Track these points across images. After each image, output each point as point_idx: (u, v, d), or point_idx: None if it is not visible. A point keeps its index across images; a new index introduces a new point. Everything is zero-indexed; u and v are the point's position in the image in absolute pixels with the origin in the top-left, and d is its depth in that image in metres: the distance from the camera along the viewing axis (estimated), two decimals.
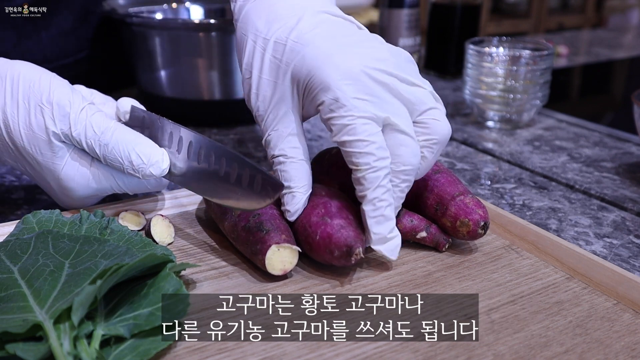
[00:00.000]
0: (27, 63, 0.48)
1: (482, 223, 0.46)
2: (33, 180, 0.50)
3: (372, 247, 0.44)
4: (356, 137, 0.42)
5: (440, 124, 0.45)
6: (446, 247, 0.48)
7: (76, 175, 0.48)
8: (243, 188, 0.43)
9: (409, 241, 0.48)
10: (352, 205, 0.46)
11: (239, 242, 0.45)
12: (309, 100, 0.45)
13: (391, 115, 0.43)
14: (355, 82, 0.43)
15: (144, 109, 0.50)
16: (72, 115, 0.46)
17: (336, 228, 0.43)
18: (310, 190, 0.47)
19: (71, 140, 0.47)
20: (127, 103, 0.50)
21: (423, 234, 0.47)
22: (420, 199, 0.50)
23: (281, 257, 0.43)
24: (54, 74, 0.48)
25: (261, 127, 0.48)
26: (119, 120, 0.51)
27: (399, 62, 0.45)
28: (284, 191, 0.46)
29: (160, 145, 0.48)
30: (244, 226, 0.45)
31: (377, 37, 0.47)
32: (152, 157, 0.46)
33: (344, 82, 0.43)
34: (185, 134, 0.47)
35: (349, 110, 0.43)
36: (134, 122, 0.50)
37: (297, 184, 0.46)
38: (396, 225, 0.45)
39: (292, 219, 0.46)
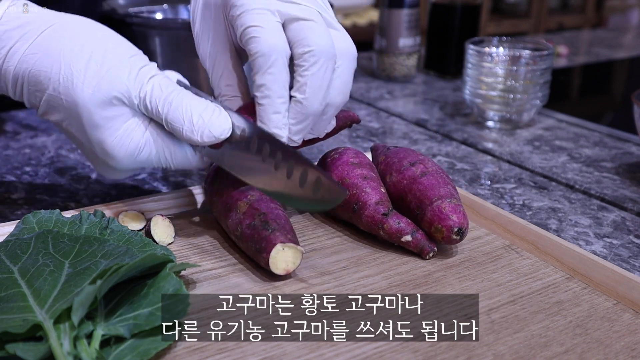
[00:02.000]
0: (95, 23, 0.47)
1: (456, 229, 0.46)
2: (73, 142, 0.48)
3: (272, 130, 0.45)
4: (247, 24, 0.45)
5: (317, 34, 0.45)
6: (430, 255, 0.47)
7: (125, 143, 0.46)
8: (303, 189, 0.42)
9: (394, 244, 0.48)
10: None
11: (242, 240, 0.45)
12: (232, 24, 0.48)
13: (291, 10, 0.45)
14: None
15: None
16: (141, 74, 0.45)
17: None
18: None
19: (134, 101, 0.45)
20: (174, 76, 0.49)
21: (408, 237, 0.47)
22: (404, 202, 0.50)
23: (285, 256, 0.43)
24: (122, 37, 0.48)
25: (208, 75, 0.51)
26: None
27: None
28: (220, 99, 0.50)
29: None
30: (249, 224, 0.45)
31: None
32: (214, 117, 0.44)
33: None
34: (237, 120, 0.45)
35: (243, 5, 0.45)
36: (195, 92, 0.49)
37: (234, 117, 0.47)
38: (383, 225, 0.46)
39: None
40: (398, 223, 0.47)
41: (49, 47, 0.44)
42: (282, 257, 0.43)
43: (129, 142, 0.45)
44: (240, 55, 0.51)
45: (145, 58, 0.47)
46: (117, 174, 0.49)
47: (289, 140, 0.47)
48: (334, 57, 0.46)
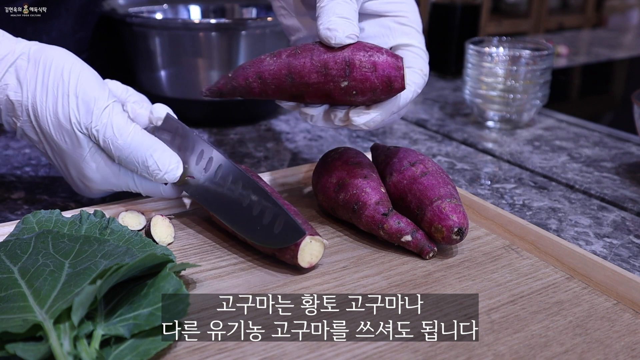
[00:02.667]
0: (62, 50, 0.48)
1: (456, 229, 0.46)
2: (52, 165, 0.51)
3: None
4: None
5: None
6: (430, 255, 0.47)
7: (97, 168, 0.49)
8: (263, 224, 0.44)
9: (394, 245, 0.48)
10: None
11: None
12: None
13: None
14: None
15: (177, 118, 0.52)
16: (95, 111, 0.46)
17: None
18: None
19: (91, 136, 0.47)
20: (163, 110, 0.51)
21: (408, 237, 0.47)
22: (404, 202, 0.50)
23: (311, 249, 0.44)
24: (86, 65, 0.48)
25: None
26: (151, 124, 0.51)
27: None
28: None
29: (187, 160, 0.49)
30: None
31: None
32: (167, 164, 0.47)
33: None
34: (217, 156, 0.48)
35: None
36: (166, 129, 0.51)
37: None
38: (383, 225, 0.47)
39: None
40: (398, 223, 0.47)
41: (17, 79, 0.47)
42: (309, 250, 0.44)
43: (97, 167, 0.48)
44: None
45: (106, 93, 0.48)
46: (94, 193, 0.52)
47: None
48: None
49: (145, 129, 0.52)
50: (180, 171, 0.48)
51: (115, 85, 0.52)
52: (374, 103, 0.46)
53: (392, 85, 0.45)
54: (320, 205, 0.55)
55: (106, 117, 0.46)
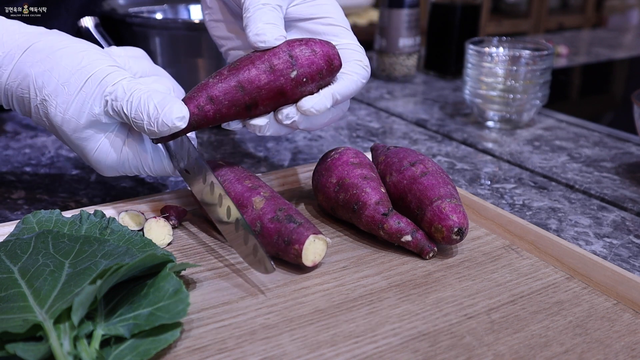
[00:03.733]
0: (67, 38, 0.48)
1: (456, 229, 0.46)
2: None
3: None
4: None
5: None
6: (430, 255, 0.47)
7: (105, 159, 0.49)
8: (245, 245, 0.44)
9: (394, 245, 0.48)
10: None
11: (262, 235, 0.46)
12: None
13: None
14: None
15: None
16: (104, 85, 0.46)
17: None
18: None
19: (102, 115, 0.46)
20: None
21: (408, 237, 0.47)
22: (404, 202, 0.50)
23: (315, 248, 0.44)
24: (95, 50, 0.48)
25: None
26: None
27: None
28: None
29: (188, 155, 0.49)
30: (271, 218, 0.45)
31: None
32: (169, 107, 0.45)
33: None
34: (209, 172, 0.48)
35: None
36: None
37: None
38: (383, 225, 0.47)
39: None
40: (398, 223, 0.47)
41: (24, 73, 0.46)
42: (312, 249, 0.44)
43: (107, 157, 0.48)
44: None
45: (111, 68, 0.47)
46: (108, 174, 0.51)
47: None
48: None
49: None
50: (181, 114, 0.45)
51: (116, 52, 0.53)
52: (321, 89, 0.49)
53: (332, 62, 0.48)
54: (320, 206, 0.55)
55: (115, 86, 0.46)
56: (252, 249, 0.44)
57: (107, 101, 0.46)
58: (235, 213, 0.45)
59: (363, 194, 0.49)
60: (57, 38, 0.48)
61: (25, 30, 0.48)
